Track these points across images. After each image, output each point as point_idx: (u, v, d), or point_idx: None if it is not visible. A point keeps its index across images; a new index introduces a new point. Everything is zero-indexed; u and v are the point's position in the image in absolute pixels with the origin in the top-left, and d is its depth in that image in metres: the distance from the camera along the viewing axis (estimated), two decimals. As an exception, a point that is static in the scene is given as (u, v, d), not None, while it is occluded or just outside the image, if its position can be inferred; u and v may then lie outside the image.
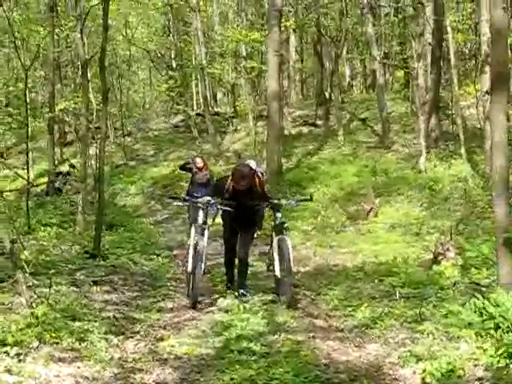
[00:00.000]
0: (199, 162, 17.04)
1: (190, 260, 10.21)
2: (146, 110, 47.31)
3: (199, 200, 11.15)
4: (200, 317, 9.55)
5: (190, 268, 10.20)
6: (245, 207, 10.68)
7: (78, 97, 27.60)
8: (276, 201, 11.24)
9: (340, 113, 29.94)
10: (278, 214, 10.88)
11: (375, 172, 23.13)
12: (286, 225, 11.03)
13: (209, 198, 11.03)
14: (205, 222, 10.67)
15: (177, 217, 23.14)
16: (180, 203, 13.26)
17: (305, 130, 32.69)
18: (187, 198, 12.67)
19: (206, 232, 10.54)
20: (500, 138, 8.89)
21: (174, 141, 36.27)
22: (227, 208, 10.69)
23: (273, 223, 11.08)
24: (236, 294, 10.54)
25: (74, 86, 37.03)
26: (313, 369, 6.97)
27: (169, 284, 12.16)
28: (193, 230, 10.64)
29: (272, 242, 10.95)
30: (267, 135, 25.14)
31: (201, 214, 10.76)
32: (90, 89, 24.31)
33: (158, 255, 15.35)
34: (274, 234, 10.85)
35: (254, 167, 10.98)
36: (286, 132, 29.78)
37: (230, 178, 10.83)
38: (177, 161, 31.99)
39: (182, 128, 38.18)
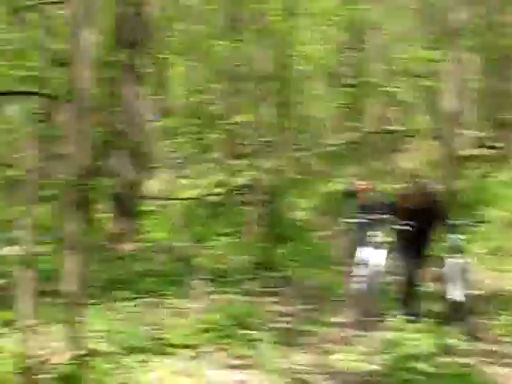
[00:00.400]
0: (362, 185, 15.51)
1: (364, 279, 9.92)
2: (321, 126, 47.58)
3: (376, 217, 10.45)
4: (369, 334, 9.57)
5: (360, 286, 10.03)
6: (422, 227, 10.01)
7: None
8: (451, 221, 10.33)
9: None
10: (453, 235, 10.03)
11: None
12: (461, 246, 10.20)
13: (385, 215, 10.28)
14: (381, 240, 10.32)
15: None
16: (354, 220, 12.07)
17: (481, 151, 31.98)
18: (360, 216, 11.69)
19: (384, 251, 10.20)
20: None
21: (347, 157, 36.32)
22: (405, 227, 9.88)
23: (446, 244, 10.32)
24: (407, 315, 9.92)
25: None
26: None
27: (340, 299, 12.23)
28: (369, 248, 10.29)
29: (444, 263, 10.13)
30: (441, 155, 24.81)
31: (378, 230, 10.29)
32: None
33: (328, 269, 15.42)
34: (446, 255, 10.07)
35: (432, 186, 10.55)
36: (460, 153, 29.22)
37: (406, 197, 10.30)
38: (348, 177, 32.12)
39: (355, 145, 38.14)
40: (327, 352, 8.37)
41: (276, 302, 11.02)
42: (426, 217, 10.03)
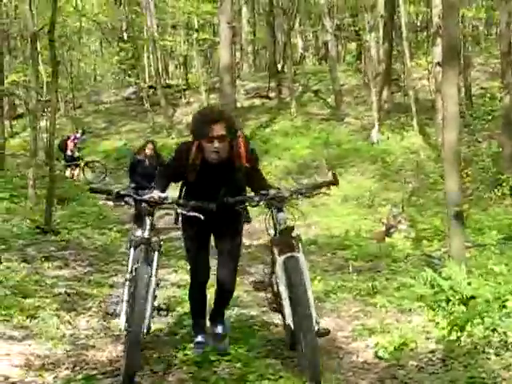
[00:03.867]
0: (150, 149, 14.86)
1: (125, 306, 5.82)
2: (97, 83, 46.82)
3: (144, 197, 6.03)
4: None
5: (123, 323, 5.79)
6: (223, 205, 6.04)
7: (27, 69, 27.17)
8: (275, 191, 6.18)
9: (292, 85, 29.87)
10: (282, 215, 6.05)
11: (328, 144, 23.17)
12: (296, 233, 6.06)
13: (160, 193, 5.99)
14: (149, 238, 5.97)
15: (129, 191, 22.96)
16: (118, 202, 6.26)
17: (257, 102, 32.60)
18: (128, 192, 6.42)
19: (156, 255, 5.94)
20: (451, 110, 8.91)
21: (125, 113, 35.96)
22: (195, 213, 5.95)
23: (273, 231, 6.23)
24: (210, 331, 6.76)
25: (23, 58, 36.48)
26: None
27: (121, 259, 12.04)
28: (131, 253, 6.06)
29: (274, 262, 6.18)
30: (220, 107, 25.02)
31: (146, 222, 5.97)
32: (40, 61, 23.95)
33: (110, 229, 15.23)
34: (275, 249, 6.04)
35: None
36: (238, 104, 29.63)
37: (190, 143, 6.09)
38: (129, 134, 31.79)
39: (133, 100, 37.86)
40: (111, 315, 8.19)
41: (57, 267, 10.67)
42: (230, 179, 6.22)
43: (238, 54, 36.14)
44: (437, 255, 11.03)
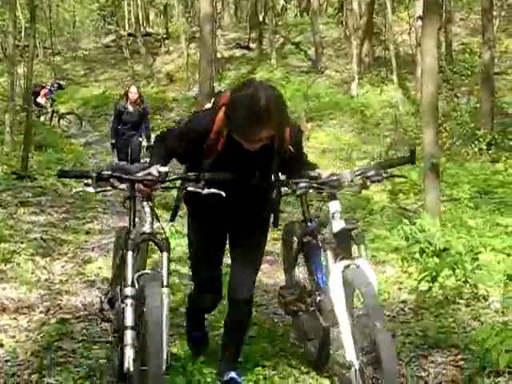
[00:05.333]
0: (134, 93, 14.20)
1: (130, 337, 3.95)
2: (76, 29, 46.31)
3: (138, 176, 4.25)
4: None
5: (130, 361, 3.94)
6: (249, 189, 4.56)
7: (5, 13, 26.80)
8: (328, 173, 4.54)
9: (273, 36, 29.67)
10: (336, 205, 4.43)
11: (307, 96, 23.11)
12: (358, 231, 4.50)
13: (159, 167, 4.23)
14: (152, 232, 4.25)
15: (108, 139, 22.88)
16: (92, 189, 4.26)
17: (238, 53, 32.38)
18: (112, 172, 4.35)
19: (165, 256, 4.15)
20: (430, 63, 8.91)
21: (104, 61, 35.62)
22: (214, 191, 4.22)
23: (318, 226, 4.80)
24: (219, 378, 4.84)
25: (0, 2, 35.93)
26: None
27: (97, 206, 12.03)
28: (130, 257, 4.13)
29: (310, 269, 4.90)
30: (200, 57, 24.83)
31: (146, 211, 4.25)
32: (18, 5, 23.63)
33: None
34: (329, 252, 4.48)
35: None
36: (218, 55, 29.43)
37: (214, 112, 4.47)
38: (108, 81, 31.51)
39: (113, 48, 37.47)
40: (87, 261, 8.22)
41: (33, 213, 10.65)
42: (264, 164, 4.55)
43: (219, 4, 35.79)
44: (412, 208, 11.11)
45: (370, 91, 22.49)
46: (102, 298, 4.85)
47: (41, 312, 6.29)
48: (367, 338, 4.16)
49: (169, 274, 4.09)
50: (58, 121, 24.01)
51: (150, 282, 3.97)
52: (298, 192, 4.43)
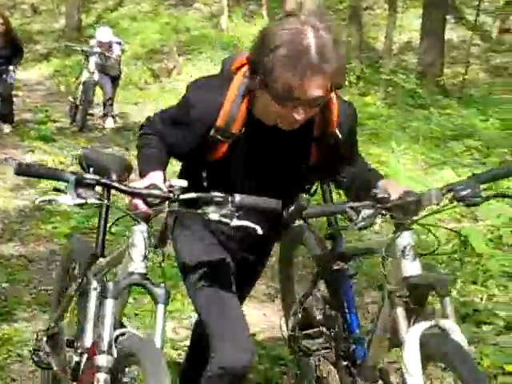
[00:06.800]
0: None
1: None
2: None
3: (138, 187, 2.76)
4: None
5: None
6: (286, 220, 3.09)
7: None
8: (403, 189, 2.97)
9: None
10: (408, 237, 2.94)
11: (177, 30, 23.03)
12: (441, 277, 3.11)
13: (175, 180, 2.79)
14: (146, 273, 2.80)
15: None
16: None
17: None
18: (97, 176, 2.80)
19: (161, 309, 2.74)
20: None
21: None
22: (248, 224, 2.77)
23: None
24: None
25: None
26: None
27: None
28: (108, 308, 2.76)
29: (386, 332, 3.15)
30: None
31: (140, 240, 2.78)
32: None
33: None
34: (398, 308, 2.94)
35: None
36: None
37: (221, 86, 3.00)
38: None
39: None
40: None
41: None
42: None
43: None
44: None
45: (239, 25, 22.60)
46: (39, 333, 3.69)
47: None
48: None
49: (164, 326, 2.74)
50: None
51: (147, 353, 2.61)
52: (360, 224, 2.84)
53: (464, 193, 2.90)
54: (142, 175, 2.86)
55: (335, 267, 3.51)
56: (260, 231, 2.77)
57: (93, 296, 3.14)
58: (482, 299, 5.29)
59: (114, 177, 3.10)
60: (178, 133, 3.02)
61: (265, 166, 3.07)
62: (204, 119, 2.94)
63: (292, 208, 2.90)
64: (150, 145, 3.07)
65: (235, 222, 2.74)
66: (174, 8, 26.34)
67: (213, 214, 2.73)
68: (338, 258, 3.52)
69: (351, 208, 2.85)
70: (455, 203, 2.92)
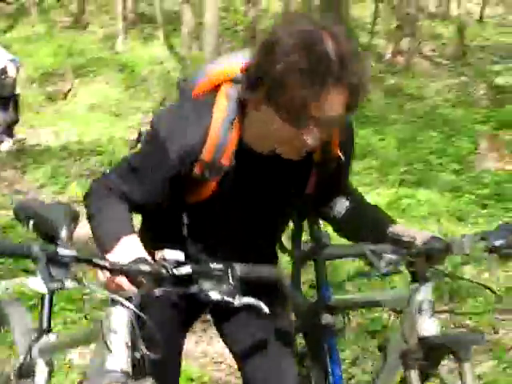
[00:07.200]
0: None
1: None
2: None
3: (126, 265, 2.16)
4: None
5: None
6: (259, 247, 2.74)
7: None
8: (424, 237, 2.57)
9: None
10: (426, 292, 2.56)
11: (72, 52, 22.78)
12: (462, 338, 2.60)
13: (170, 251, 2.16)
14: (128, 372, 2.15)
15: None
16: None
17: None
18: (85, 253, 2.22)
19: None
20: (212, 19, 9.14)
21: None
22: (254, 302, 2.25)
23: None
24: None
25: None
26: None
27: None
28: None
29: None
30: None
31: (119, 324, 2.16)
32: None
33: None
34: (412, 371, 2.49)
35: None
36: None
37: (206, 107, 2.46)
38: None
39: None
40: None
41: None
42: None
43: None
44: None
45: (136, 48, 22.52)
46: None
47: None
48: None
49: None
50: None
51: None
52: (385, 271, 2.40)
53: (497, 242, 2.50)
54: (107, 244, 2.30)
55: (320, 321, 2.95)
56: (266, 310, 2.24)
57: (40, 381, 2.53)
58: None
59: (64, 233, 2.61)
60: (152, 180, 2.46)
61: (256, 200, 2.59)
62: (187, 155, 2.41)
63: (310, 245, 2.54)
64: (109, 206, 2.47)
65: (239, 301, 2.17)
66: (68, 30, 26.08)
67: (213, 292, 2.13)
68: (324, 310, 2.97)
69: (372, 252, 2.41)
70: (486, 254, 2.51)
